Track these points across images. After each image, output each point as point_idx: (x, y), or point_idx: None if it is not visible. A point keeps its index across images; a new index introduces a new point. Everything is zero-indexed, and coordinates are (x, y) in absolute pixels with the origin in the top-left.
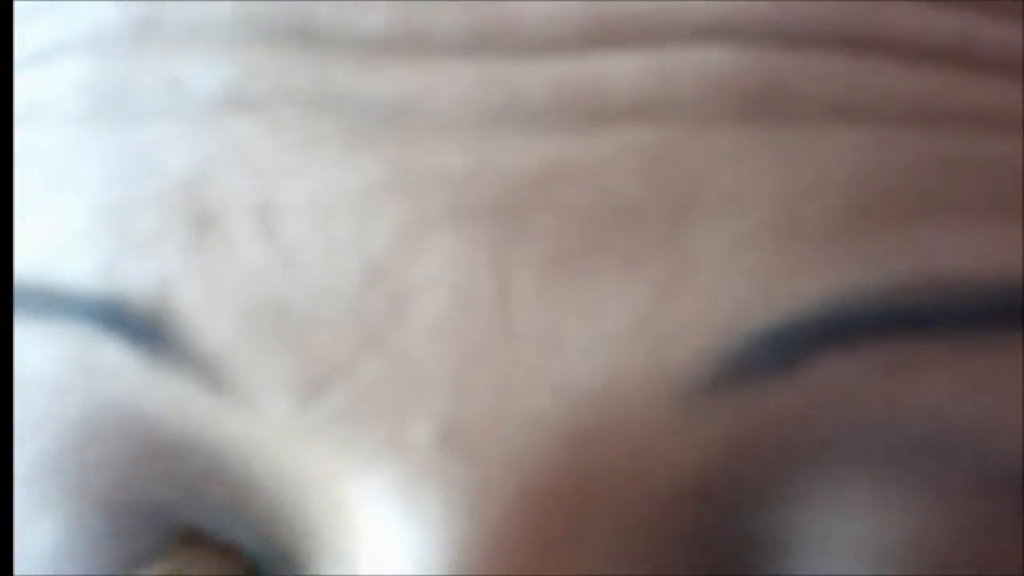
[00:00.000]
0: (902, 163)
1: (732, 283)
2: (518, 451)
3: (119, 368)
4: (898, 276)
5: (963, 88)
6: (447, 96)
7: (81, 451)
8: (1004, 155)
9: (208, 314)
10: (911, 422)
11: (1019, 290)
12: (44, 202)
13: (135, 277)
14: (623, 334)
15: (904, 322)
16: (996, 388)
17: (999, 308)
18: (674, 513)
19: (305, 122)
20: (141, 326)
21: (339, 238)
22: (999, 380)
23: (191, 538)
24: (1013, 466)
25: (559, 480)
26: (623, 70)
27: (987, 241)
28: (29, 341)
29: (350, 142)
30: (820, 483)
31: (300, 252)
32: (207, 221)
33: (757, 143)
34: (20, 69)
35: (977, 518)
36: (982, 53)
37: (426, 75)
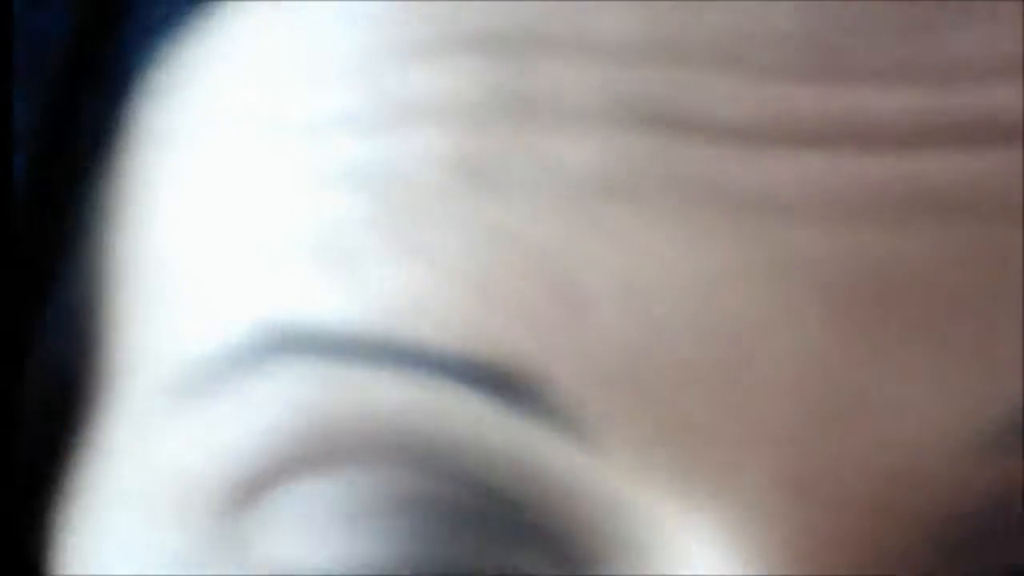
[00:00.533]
0: None
1: None
2: (843, 496)
3: (469, 415)
4: None
5: None
6: (808, 186)
7: (412, 480)
8: None
9: (569, 375)
10: None
11: None
12: (397, 262)
13: (500, 340)
14: (936, 399)
15: None
16: None
17: None
18: (947, 550)
19: (673, 207)
20: (500, 382)
21: (699, 312)
22: None
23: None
24: None
25: (875, 521)
26: (956, 168)
27: None
28: (372, 387)
29: (715, 227)
30: None
31: (662, 324)
32: (575, 293)
33: None
34: (339, 127)
35: None
36: None
37: (789, 165)
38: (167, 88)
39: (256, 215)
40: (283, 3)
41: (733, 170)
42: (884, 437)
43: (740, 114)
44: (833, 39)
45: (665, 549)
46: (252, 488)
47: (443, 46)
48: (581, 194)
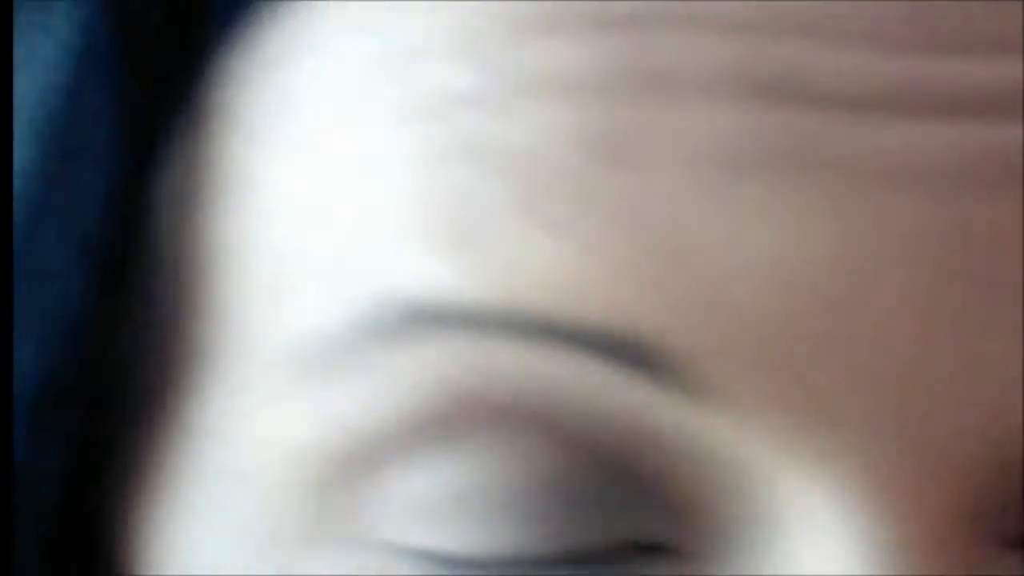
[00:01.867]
0: None
1: None
2: (951, 461)
3: (592, 376)
4: None
5: None
6: (918, 155)
7: (536, 452)
8: None
9: (688, 337)
10: None
11: None
12: (525, 238)
13: (636, 313)
14: None
15: None
16: None
17: None
18: None
19: (793, 178)
20: (636, 354)
21: (819, 280)
22: None
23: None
24: None
25: (983, 487)
26: None
27: None
28: (500, 359)
29: (825, 194)
30: None
31: (786, 292)
32: (691, 258)
33: None
34: (462, 101)
35: None
36: None
37: (898, 136)
38: (251, 75)
39: (377, 193)
40: None
41: (847, 141)
42: (988, 403)
43: (852, 85)
44: (931, 11)
45: (785, 509)
46: (370, 462)
47: (561, 22)
48: (709, 168)
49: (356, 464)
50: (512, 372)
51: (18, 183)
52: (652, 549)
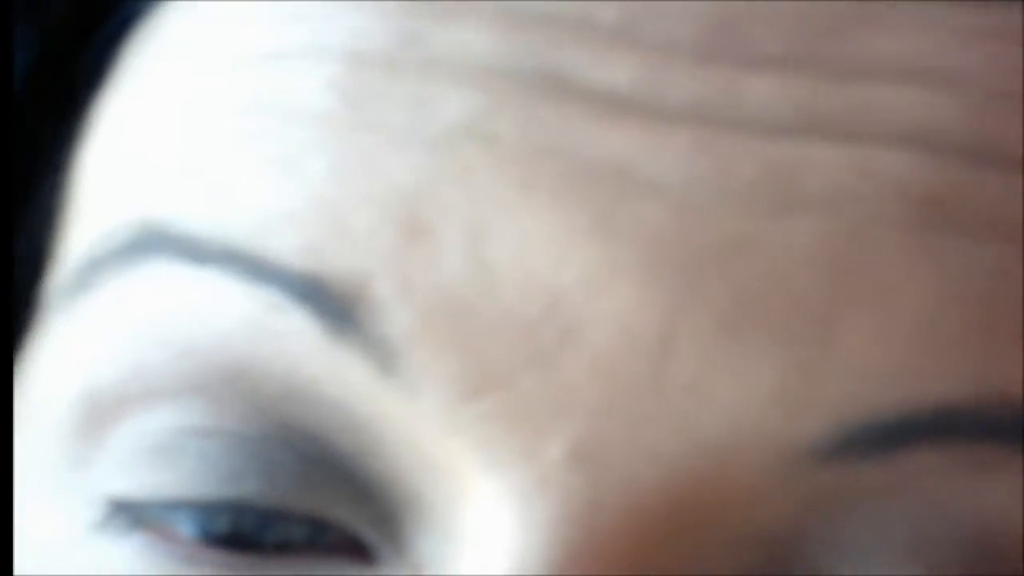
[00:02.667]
0: None
1: (864, 374)
2: (636, 480)
3: (297, 336)
4: (996, 392)
5: None
6: (663, 159)
7: (230, 389)
8: None
9: (399, 306)
10: (968, 517)
11: None
12: (265, 179)
13: (339, 263)
14: (760, 399)
15: (991, 432)
16: None
17: None
18: (743, 554)
19: (529, 161)
20: (333, 305)
21: (535, 267)
22: None
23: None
24: None
25: (665, 511)
26: (820, 162)
27: None
28: (219, 295)
29: (565, 187)
30: (868, 550)
31: (497, 272)
32: (419, 228)
33: (917, 248)
34: (257, 62)
35: None
36: None
37: (649, 136)
38: (134, 40)
39: (154, 132)
40: None
41: (592, 134)
42: (690, 430)
43: (615, 82)
44: (737, 22)
45: (459, 509)
46: (102, 416)
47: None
48: (446, 138)
49: (95, 409)
50: (225, 316)
51: None
52: (346, 547)
